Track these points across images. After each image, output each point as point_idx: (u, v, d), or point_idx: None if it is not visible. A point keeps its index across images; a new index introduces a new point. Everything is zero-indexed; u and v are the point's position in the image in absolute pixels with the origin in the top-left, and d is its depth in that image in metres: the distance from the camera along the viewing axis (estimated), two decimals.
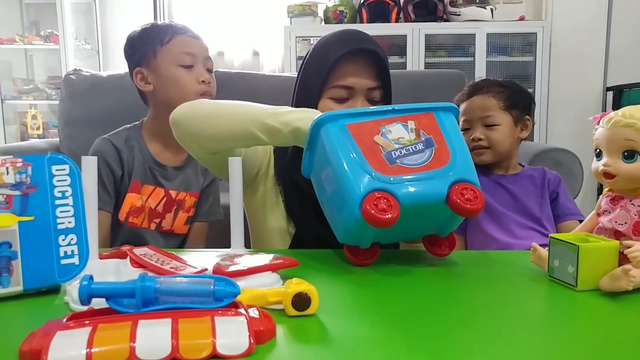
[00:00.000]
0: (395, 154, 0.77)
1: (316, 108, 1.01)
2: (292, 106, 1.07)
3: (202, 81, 1.21)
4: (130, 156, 1.22)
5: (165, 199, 1.24)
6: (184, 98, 1.17)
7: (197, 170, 1.29)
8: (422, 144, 0.79)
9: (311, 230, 1.01)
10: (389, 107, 0.82)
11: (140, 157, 1.23)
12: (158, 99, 1.23)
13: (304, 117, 0.85)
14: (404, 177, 0.76)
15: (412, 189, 0.75)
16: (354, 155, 0.76)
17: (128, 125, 1.28)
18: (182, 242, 1.30)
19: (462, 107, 1.28)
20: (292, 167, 1.02)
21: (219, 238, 1.37)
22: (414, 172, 0.76)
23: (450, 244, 0.87)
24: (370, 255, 0.83)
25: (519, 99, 1.27)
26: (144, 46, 1.22)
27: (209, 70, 1.26)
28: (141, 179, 1.22)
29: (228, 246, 0.85)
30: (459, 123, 1.27)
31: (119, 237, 1.21)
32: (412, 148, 0.78)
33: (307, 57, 1.07)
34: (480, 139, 1.23)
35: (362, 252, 0.83)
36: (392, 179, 0.75)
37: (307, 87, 1.04)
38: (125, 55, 1.27)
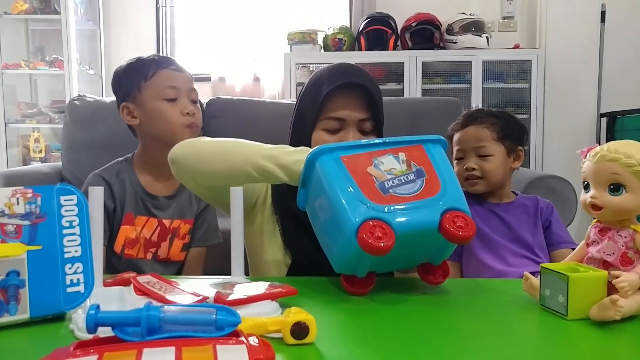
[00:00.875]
0: (388, 184, 0.80)
1: (310, 138, 1.05)
2: (289, 136, 1.11)
3: (187, 113, 1.23)
4: (121, 189, 1.24)
5: (159, 228, 1.25)
6: (170, 131, 1.21)
7: (190, 197, 1.30)
8: (413, 174, 0.82)
9: (308, 258, 1.03)
10: (381, 140, 0.86)
11: (132, 190, 1.25)
12: (145, 132, 1.26)
13: (300, 160, 0.88)
14: (398, 206, 0.78)
15: (406, 218, 0.77)
16: (349, 185, 0.79)
17: (120, 159, 1.30)
18: (180, 268, 1.31)
19: (456, 136, 1.30)
20: (288, 195, 1.04)
21: (216, 262, 1.38)
22: (407, 201, 0.79)
23: (444, 272, 0.89)
24: (367, 284, 0.85)
25: (512, 130, 1.29)
26: (128, 81, 1.25)
27: (194, 102, 1.28)
28: (134, 211, 1.24)
29: (226, 270, 0.87)
30: (452, 152, 1.30)
31: (117, 269, 1.22)
32: (404, 178, 0.81)
33: (303, 90, 1.12)
34: (473, 169, 1.25)
35: (359, 281, 0.84)
36: (386, 208, 0.78)
37: (302, 119, 1.08)
38: (113, 90, 1.31)
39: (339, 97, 1.03)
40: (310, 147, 1.03)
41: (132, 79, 1.25)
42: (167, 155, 1.23)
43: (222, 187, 0.97)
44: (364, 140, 0.87)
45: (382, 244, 0.74)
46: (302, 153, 0.90)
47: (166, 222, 1.26)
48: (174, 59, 1.30)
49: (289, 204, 1.05)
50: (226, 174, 0.94)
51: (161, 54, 3.79)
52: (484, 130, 1.26)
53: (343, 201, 0.78)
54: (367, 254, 0.75)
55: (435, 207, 0.80)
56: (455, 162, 1.30)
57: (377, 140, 0.86)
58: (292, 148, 0.94)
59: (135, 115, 1.25)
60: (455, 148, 1.30)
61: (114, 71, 1.31)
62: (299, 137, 1.07)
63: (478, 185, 1.26)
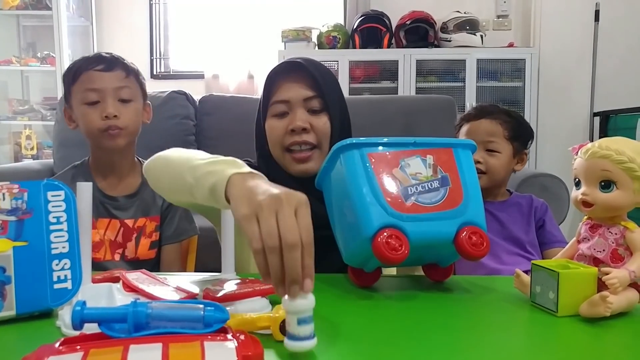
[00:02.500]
0: (411, 190, 0.80)
1: (264, 130, 1.06)
2: (254, 133, 1.11)
3: (106, 116, 1.16)
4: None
5: (122, 229, 1.23)
6: (91, 136, 1.20)
7: (153, 194, 1.26)
8: (437, 182, 0.82)
9: None
10: (411, 140, 0.84)
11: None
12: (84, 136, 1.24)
13: (212, 172, 0.72)
14: (417, 216, 0.78)
15: (423, 229, 0.78)
16: (372, 187, 0.79)
17: (77, 163, 1.28)
18: (152, 267, 1.26)
19: (467, 127, 1.29)
20: None
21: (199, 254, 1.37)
22: (427, 211, 0.79)
23: (446, 272, 0.90)
24: (373, 278, 0.86)
25: (522, 132, 1.29)
26: (65, 84, 1.23)
27: (124, 100, 1.20)
28: (94, 214, 1.19)
29: (209, 268, 0.86)
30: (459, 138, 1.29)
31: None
32: (428, 185, 0.81)
33: None
34: (479, 162, 1.24)
35: (365, 275, 0.85)
36: (405, 217, 0.78)
37: (259, 113, 1.09)
38: None
39: (282, 80, 1.05)
40: (266, 140, 1.05)
41: (66, 82, 1.22)
42: (110, 158, 1.22)
43: (187, 202, 0.93)
44: (393, 138, 0.84)
45: (396, 256, 0.74)
46: (221, 164, 0.74)
47: (129, 222, 1.23)
48: (106, 57, 1.22)
49: None
50: (169, 190, 0.89)
51: (154, 51, 3.78)
52: (497, 126, 1.26)
53: (364, 203, 0.78)
54: None
55: (453, 220, 0.80)
56: None
57: (406, 140, 0.84)
58: (213, 159, 0.77)
59: (74, 118, 1.23)
60: (463, 137, 1.29)
61: None
62: (258, 132, 1.09)
63: (480, 180, 1.24)
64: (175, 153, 0.89)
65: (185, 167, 0.79)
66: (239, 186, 0.66)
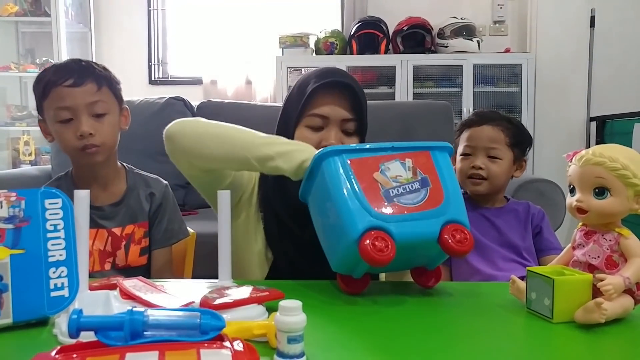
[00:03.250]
0: (393, 192, 0.81)
1: (293, 136, 1.05)
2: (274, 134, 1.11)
3: (81, 135, 1.12)
4: None
5: (110, 238, 1.21)
6: (67, 152, 1.17)
7: (140, 199, 1.25)
8: (418, 183, 0.83)
9: (288, 259, 1.04)
10: (389, 145, 0.86)
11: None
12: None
13: (297, 150, 0.90)
14: (400, 216, 0.79)
15: (407, 229, 0.79)
16: (354, 191, 0.80)
17: (61, 174, 1.26)
18: (144, 273, 1.26)
19: (468, 132, 1.28)
20: (273, 196, 1.05)
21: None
22: (410, 211, 0.80)
23: (436, 276, 0.90)
24: (362, 284, 0.86)
25: (523, 139, 1.29)
26: (36, 97, 1.18)
27: (98, 115, 1.15)
28: None
29: (206, 274, 0.87)
30: (460, 147, 1.29)
31: None
32: (409, 187, 0.82)
33: (290, 90, 1.12)
34: (480, 168, 1.24)
35: (354, 281, 0.86)
36: (389, 218, 0.79)
37: (287, 117, 1.08)
38: None
39: (325, 95, 1.04)
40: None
41: (37, 95, 1.17)
42: (91, 169, 1.18)
43: (216, 171, 0.98)
44: (372, 144, 0.86)
45: (382, 257, 0.75)
46: (299, 145, 0.92)
47: (116, 230, 1.22)
48: (75, 68, 1.15)
49: (273, 205, 1.05)
50: (223, 158, 0.95)
51: (152, 57, 3.78)
52: (499, 133, 1.26)
53: (347, 207, 0.79)
54: None
55: (436, 219, 0.81)
56: (460, 157, 1.28)
57: (385, 145, 0.86)
58: (287, 139, 0.95)
59: (49, 132, 1.19)
60: (463, 144, 1.28)
61: None
62: (283, 135, 1.06)
63: (481, 186, 1.25)
64: (215, 125, 0.99)
65: (256, 141, 0.93)
66: None
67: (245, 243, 1.08)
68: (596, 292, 0.71)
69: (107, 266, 1.21)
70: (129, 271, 1.20)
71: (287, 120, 1.08)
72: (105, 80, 1.17)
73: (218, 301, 0.70)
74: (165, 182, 1.30)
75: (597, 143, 3.15)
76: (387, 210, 0.79)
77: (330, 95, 1.04)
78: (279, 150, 0.91)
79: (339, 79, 1.05)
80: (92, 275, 1.16)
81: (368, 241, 0.75)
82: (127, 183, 1.25)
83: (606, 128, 3.25)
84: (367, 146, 0.86)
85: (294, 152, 0.90)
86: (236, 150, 0.93)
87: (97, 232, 1.20)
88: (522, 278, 0.80)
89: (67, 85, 1.12)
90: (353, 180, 0.81)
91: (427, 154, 0.86)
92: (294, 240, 0.92)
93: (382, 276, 1.05)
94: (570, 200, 0.77)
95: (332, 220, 0.83)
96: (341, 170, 0.81)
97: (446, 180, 0.85)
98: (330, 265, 0.87)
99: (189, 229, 1.34)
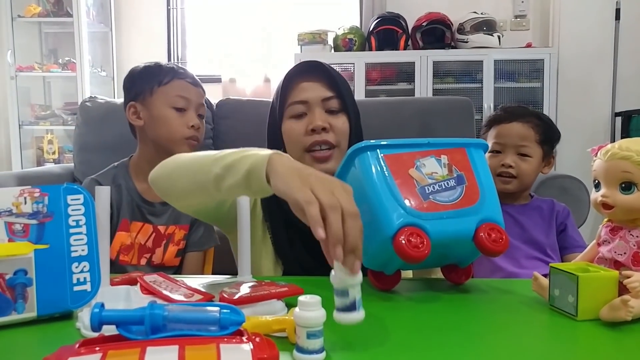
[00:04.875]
0: (428, 189, 0.80)
1: (281, 131, 1.05)
2: (266, 136, 1.11)
3: (192, 126, 1.24)
4: (117, 195, 1.24)
5: (154, 234, 1.25)
6: (171, 139, 1.22)
7: None
8: (453, 181, 0.82)
9: (299, 264, 1.01)
10: (425, 140, 0.85)
11: (128, 196, 1.25)
12: (147, 135, 1.26)
13: (245, 156, 0.74)
14: (436, 214, 0.78)
15: (443, 227, 0.78)
16: (390, 186, 0.79)
17: (116, 163, 1.30)
18: (174, 274, 1.28)
19: (497, 129, 1.26)
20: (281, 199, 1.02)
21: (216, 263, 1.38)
22: (446, 209, 0.79)
23: (467, 274, 0.89)
24: (393, 281, 0.86)
25: (552, 136, 1.27)
26: (143, 82, 1.26)
27: (201, 116, 1.29)
28: (129, 216, 1.24)
29: (224, 271, 0.87)
30: (489, 144, 1.26)
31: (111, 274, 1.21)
32: (444, 184, 0.81)
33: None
34: (510, 166, 1.22)
35: (385, 278, 0.85)
36: (424, 215, 0.78)
37: (273, 116, 1.09)
38: (124, 87, 1.31)
39: (299, 81, 1.05)
40: (282, 142, 1.04)
41: (147, 81, 1.25)
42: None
43: (200, 206, 0.95)
44: (407, 140, 0.85)
45: (418, 253, 0.74)
46: (246, 151, 0.76)
47: (161, 228, 1.25)
48: (191, 73, 1.32)
49: (282, 208, 1.00)
50: (192, 190, 0.84)
51: (172, 56, 3.83)
52: (529, 130, 1.24)
53: (383, 203, 0.78)
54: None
55: (472, 217, 0.80)
56: (489, 154, 1.26)
57: (420, 141, 0.84)
58: (240, 149, 0.79)
59: (141, 116, 1.25)
60: (492, 141, 1.26)
61: (131, 69, 1.31)
62: (272, 135, 1.08)
63: (511, 184, 1.23)
64: (183, 157, 0.89)
65: (208, 161, 0.79)
66: (284, 164, 0.69)
67: (254, 254, 1.05)
68: (622, 290, 0.69)
69: (143, 261, 1.24)
70: (161, 270, 1.22)
71: (273, 119, 1.08)
72: (204, 93, 1.34)
73: (237, 296, 0.70)
74: None
75: (623, 138, 3.08)
76: (423, 207, 0.78)
77: (304, 80, 1.05)
78: (225, 164, 0.76)
79: (306, 62, 1.06)
80: (125, 268, 1.21)
81: (403, 237, 0.75)
82: None
83: (632, 123, 3.18)
84: (403, 141, 0.84)
85: (241, 160, 0.74)
86: (197, 177, 0.81)
87: (142, 226, 1.24)
88: (545, 276, 0.78)
89: (189, 81, 1.28)
90: (388, 176, 0.79)
91: (463, 151, 0.85)
92: (305, 242, 0.91)
93: (409, 273, 1.04)
94: (595, 195, 0.75)
95: (366, 217, 0.81)
96: (376, 166, 0.80)
97: (482, 178, 0.84)
98: (362, 261, 0.85)
99: None
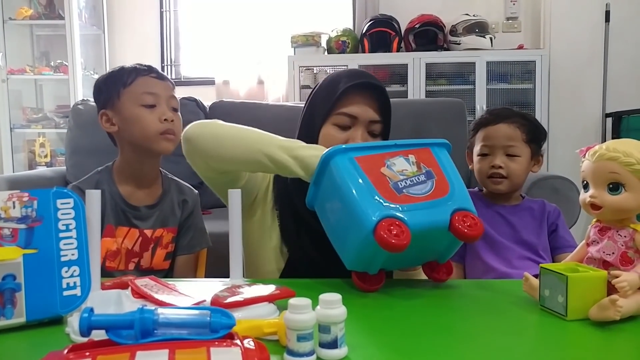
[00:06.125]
0: (401, 184, 0.84)
1: (319, 133, 1.06)
2: (297, 132, 1.12)
3: (165, 120, 1.21)
4: (101, 201, 1.23)
5: (140, 239, 1.23)
6: (146, 137, 1.20)
7: (173, 205, 1.28)
8: (423, 176, 0.86)
9: (305, 254, 1.04)
10: (392, 142, 0.89)
11: (112, 201, 1.23)
12: (123, 139, 1.24)
13: (315, 155, 0.90)
14: (411, 205, 0.82)
15: (420, 217, 0.81)
16: (365, 184, 0.82)
17: (100, 168, 1.28)
18: (164, 277, 1.28)
19: (485, 132, 1.27)
20: (294, 191, 1.05)
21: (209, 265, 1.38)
22: (420, 201, 0.83)
23: (448, 270, 0.92)
24: (378, 281, 0.87)
25: (538, 134, 1.28)
26: (109, 88, 1.24)
27: (174, 109, 1.26)
28: (114, 222, 1.22)
29: (219, 273, 0.87)
30: (477, 147, 1.28)
31: None
32: (415, 179, 0.85)
33: (316, 88, 1.13)
34: (500, 167, 1.23)
35: (370, 278, 0.87)
36: (401, 207, 0.81)
37: (313, 114, 1.09)
38: (94, 98, 1.30)
39: (355, 95, 1.05)
40: (317, 141, 1.05)
41: (112, 86, 1.23)
42: (145, 162, 1.23)
43: (232, 172, 1.00)
44: (376, 142, 0.90)
45: (399, 241, 0.76)
46: (316, 149, 0.92)
47: (148, 232, 1.24)
48: (155, 68, 1.29)
49: (292, 200, 1.06)
50: (239, 159, 0.96)
51: (165, 58, 3.83)
52: (515, 130, 1.24)
53: (360, 199, 0.81)
54: (382, 251, 0.78)
55: (445, 207, 0.84)
56: (478, 157, 1.27)
57: (388, 143, 0.90)
58: (305, 143, 0.95)
59: (114, 122, 1.23)
60: (480, 144, 1.27)
61: (96, 80, 1.30)
62: (308, 131, 1.08)
63: (502, 184, 1.24)
64: (236, 127, 0.99)
65: (274, 144, 0.93)
66: None
67: (261, 240, 1.09)
68: (611, 289, 0.70)
69: (131, 266, 1.23)
70: (151, 274, 1.21)
71: (313, 118, 1.08)
72: (174, 87, 1.30)
73: (229, 300, 0.70)
74: (197, 191, 1.33)
75: (614, 139, 3.10)
76: (398, 200, 0.82)
77: (361, 95, 1.06)
78: (294, 155, 0.92)
79: (370, 80, 1.07)
80: (113, 274, 1.19)
81: (383, 229, 0.77)
82: (162, 187, 1.28)
83: (622, 124, 3.20)
84: (371, 144, 0.90)
85: (311, 158, 0.90)
86: (253, 153, 0.94)
87: (128, 231, 1.23)
88: (536, 276, 0.79)
89: (153, 76, 1.25)
90: (362, 176, 0.83)
91: (428, 150, 0.90)
92: (311, 234, 0.93)
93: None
94: (584, 196, 0.76)
95: (345, 217, 0.84)
96: (350, 167, 0.83)
97: (449, 172, 0.89)
98: (345, 265, 0.88)
99: None
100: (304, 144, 0.95)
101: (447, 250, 0.89)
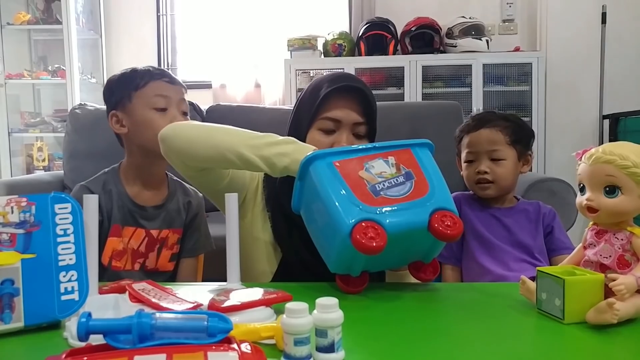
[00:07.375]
0: (379, 187, 0.84)
1: (305, 138, 1.06)
2: (288, 127, 1.13)
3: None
4: (108, 201, 1.23)
5: (147, 239, 1.24)
6: (152, 139, 1.18)
7: (179, 206, 1.29)
8: (402, 177, 0.86)
9: (298, 255, 1.05)
10: (370, 145, 0.90)
11: (119, 201, 1.24)
12: (133, 141, 1.25)
13: (280, 153, 0.92)
14: (389, 208, 0.82)
15: (396, 218, 0.81)
16: (342, 189, 0.83)
17: (106, 169, 1.29)
18: (169, 279, 1.29)
19: (468, 139, 1.28)
20: (281, 193, 1.06)
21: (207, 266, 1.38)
22: (397, 202, 0.83)
23: (434, 270, 0.92)
24: (361, 283, 0.88)
25: (523, 135, 1.28)
26: (120, 90, 1.25)
27: (184, 113, 1.28)
28: (121, 222, 1.23)
29: (216, 275, 0.87)
30: (463, 154, 1.29)
31: (103, 280, 1.21)
32: (394, 181, 0.85)
33: (303, 92, 1.13)
34: (486, 172, 1.23)
35: (353, 280, 0.87)
36: (377, 209, 0.81)
37: (300, 119, 1.10)
38: (104, 98, 1.30)
39: (337, 98, 1.06)
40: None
41: (124, 87, 1.24)
42: (153, 165, 1.24)
43: (211, 170, 1.02)
44: (355, 146, 0.91)
45: (374, 244, 0.77)
46: (286, 144, 0.94)
47: (154, 232, 1.24)
48: (168, 72, 1.31)
49: (281, 202, 1.06)
50: (212, 158, 0.98)
51: (162, 62, 3.83)
52: (497, 134, 1.25)
53: (337, 204, 0.81)
54: (361, 254, 0.78)
55: (424, 208, 0.83)
56: (465, 164, 1.28)
57: (367, 145, 0.90)
58: (280, 138, 0.96)
59: (124, 124, 1.24)
60: (465, 150, 1.28)
61: (108, 79, 1.31)
62: (295, 136, 1.07)
63: (489, 189, 1.24)
64: (207, 126, 1.02)
65: (242, 142, 0.95)
66: None
67: (253, 239, 1.10)
68: (608, 293, 0.70)
69: (137, 266, 1.23)
70: (156, 275, 1.24)
71: (299, 123, 1.09)
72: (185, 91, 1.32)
73: (226, 304, 0.70)
74: (201, 194, 1.33)
75: (611, 141, 3.11)
76: (375, 202, 0.82)
77: (343, 99, 1.06)
78: (261, 154, 0.93)
79: (351, 83, 1.07)
80: (119, 274, 1.20)
81: (359, 232, 0.78)
82: (169, 189, 1.29)
83: (620, 125, 3.21)
84: (351, 148, 0.90)
85: (276, 157, 0.92)
86: (221, 151, 0.96)
87: (135, 231, 1.23)
88: (533, 278, 0.79)
89: (165, 80, 1.26)
90: (340, 180, 0.83)
91: (409, 151, 0.90)
92: (304, 237, 0.93)
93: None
94: (581, 199, 0.76)
95: (325, 220, 0.85)
96: (328, 172, 0.84)
97: (430, 172, 0.88)
98: (329, 268, 0.88)
99: None
100: (275, 138, 0.96)
101: (430, 250, 0.90)
